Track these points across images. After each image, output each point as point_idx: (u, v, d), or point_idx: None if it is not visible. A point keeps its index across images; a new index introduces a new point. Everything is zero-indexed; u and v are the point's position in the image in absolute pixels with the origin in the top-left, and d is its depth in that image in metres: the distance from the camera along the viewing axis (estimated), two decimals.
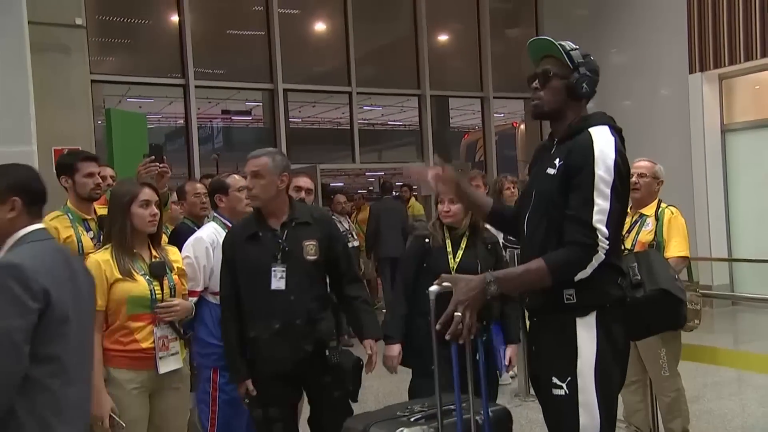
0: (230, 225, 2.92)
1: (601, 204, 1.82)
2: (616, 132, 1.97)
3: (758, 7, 6.97)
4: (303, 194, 3.34)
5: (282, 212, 2.64)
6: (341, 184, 10.90)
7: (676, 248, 3.31)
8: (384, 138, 10.11)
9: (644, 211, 3.39)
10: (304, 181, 3.45)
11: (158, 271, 2.52)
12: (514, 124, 10.72)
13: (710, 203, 7.46)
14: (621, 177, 1.86)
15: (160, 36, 8.15)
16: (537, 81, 1.99)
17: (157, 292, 2.49)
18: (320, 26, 9.20)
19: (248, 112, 9.21)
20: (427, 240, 2.86)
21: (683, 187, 7.38)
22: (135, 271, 2.47)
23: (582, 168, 1.86)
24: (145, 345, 2.45)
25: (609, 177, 1.83)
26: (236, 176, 3.10)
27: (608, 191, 1.83)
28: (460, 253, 2.83)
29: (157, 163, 3.41)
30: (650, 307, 2.00)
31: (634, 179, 3.35)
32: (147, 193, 2.54)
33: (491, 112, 9.70)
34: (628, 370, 3.38)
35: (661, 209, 3.38)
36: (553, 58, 1.98)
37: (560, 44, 1.98)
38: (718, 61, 7.35)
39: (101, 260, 2.45)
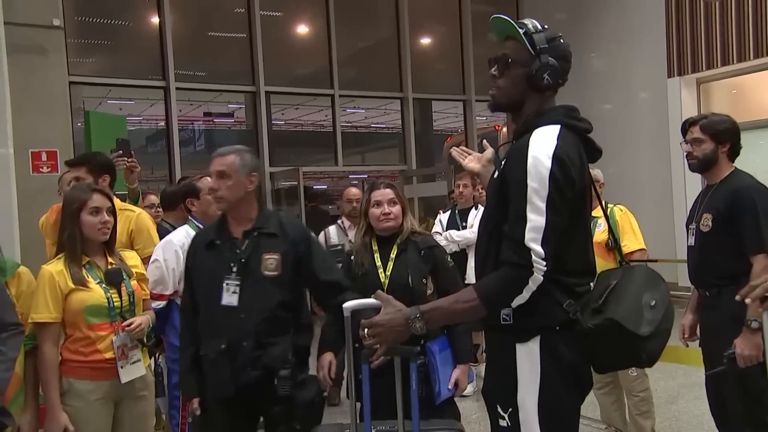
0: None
1: (535, 220, 1.60)
2: (574, 130, 1.73)
3: (734, 12, 7.09)
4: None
5: (248, 219, 2.40)
6: (325, 186, 10.87)
7: (633, 244, 3.43)
8: (367, 141, 10.10)
9: (594, 213, 3.44)
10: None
11: (114, 278, 2.44)
12: (497, 127, 10.77)
13: (688, 206, 7.53)
14: (559, 188, 1.61)
15: (141, 37, 8.07)
16: (495, 67, 1.76)
17: (114, 299, 2.42)
18: (302, 28, 9.18)
19: (230, 115, 9.15)
20: (352, 257, 2.61)
21: (662, 191, 7.47)
22: (89, 280, 2.40)
23: (514, 179, 1.65)
24: (107, 355, 2.39)
25: (543, 189, 1.60)
26: (208, 179, 2.88)
27: (542, 205, 1.60)
28: (390, 266, 2.54)
29: (125, 158, 3.34)
30: (601, 340, 1.68)
31: None
32: (97, 200, 2.44)
33: (474, 114, 9.75)
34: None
35: (609, 209, 3.49)
36: (515, 41, 1.73)
37: (521, 24, 1.74)
38: (696, 65, 7.47)
39: (54, 271, 2.37)
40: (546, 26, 1.77)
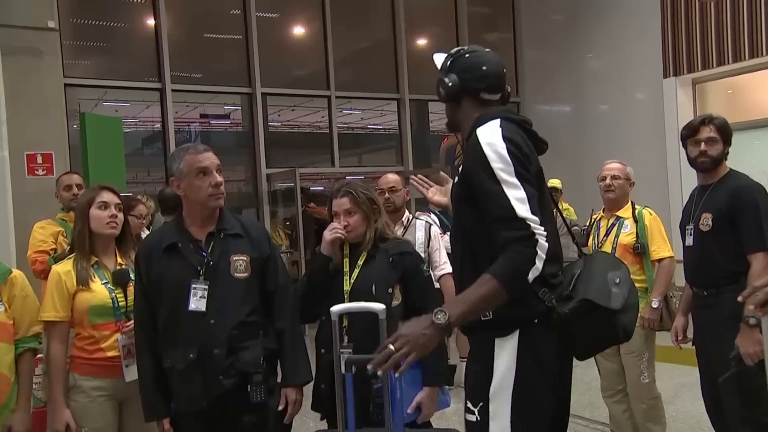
0: None
1: (516, 193, 1.66)
2: (514, 122, 1.82)
3: (729, 12, 7.11)
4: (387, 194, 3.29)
5: (210, 220, 2.28)
6: (321, 188, 10.87)
7: (663, 250, 3.32)
8: (364, 142, 10.09)
9: (620, 213, 3.41)
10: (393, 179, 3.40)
11: (121, 279, 2.46)
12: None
13: None
14: (521, 162, 1.70)
15: (136, 39, 8.05)
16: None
17: (120, 300, 2.44)
18: (298, 30, 9.17)
19: (227, 116, 9.14)
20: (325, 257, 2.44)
21: (658, 191, 7.47)
22: (95, 280, 2.43)
23: (478, 170, 1.72)
24: (110, 354, 2.42)
25: (508, 165, 1.68)
26: None
27: (514, 178, 1.67)
28: (356, 272, 2.39)
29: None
30: (579, 323, 1.72)
31: (608, 181, 3.39)
32: (105, 196, 2.49)
33: None
34: (611, 379, 3.43)
35: (638, 211, 3.38)
36: None
37: (436, 57, 1.96)
38: (692, 65, 7.48)
39: (62, 271, 2.43)
40: (468, 48, 1.95)
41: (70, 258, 2.49)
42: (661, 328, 3.28)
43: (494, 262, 1.66)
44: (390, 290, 2.37)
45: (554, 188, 6.67)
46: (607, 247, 3.33)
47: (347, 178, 9.60)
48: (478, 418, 1.70)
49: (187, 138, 8.46)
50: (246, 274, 2.25)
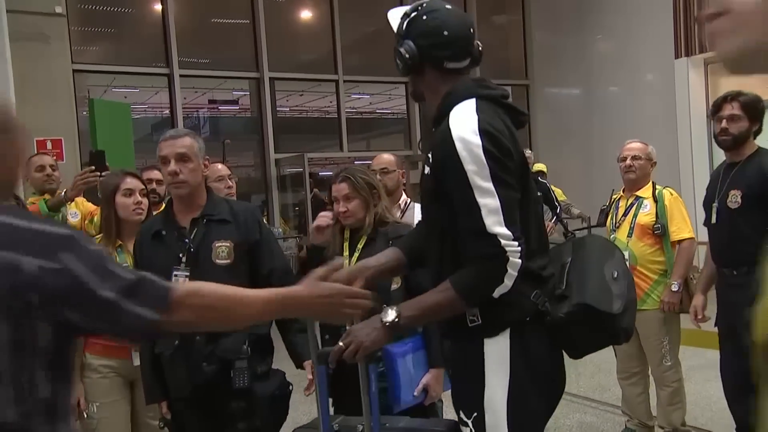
0: None
1: (488, 202, 1.48)
2: (491, 100, 1.60)
3: None
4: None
5: (197, 206, 2.26)
6: (330, 173, 10.86)
7: (683, 231, 3.22)
8: (372, 126, 10.06)
9: (640, 193, 3.31)
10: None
11: None
12: None
13: (696, 187, 7.50)
14: (498, 161, 1.50)
15: (144, 25, 8.04)
16: None
17: None
18: (306, 14, 9.11)
19: (235, 102, 9.13)
20: (324, 249, 2.42)
21: (669, 173, 7.40)
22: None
23: (449, 169, 1.53)
24: None
25: (482, 168, 1.49)
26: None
27: (489, 185, 1.48)
28: (356, 256, 2.38)
29: (98, 173, 3.21)
30: (575, 328, 1.59)
31: (628, 162, 3.30)
32: (129, 182, 2.56)
33: None
34: (628, 362, 3.38)
35: (658, 191, 3.29)
36: None
37: (391, 15, 1.72)
38: (704, 45, 7.37)
39: None
40: (426, 5, 1.69)
41: (98, 238, 2.57)
42: (681, 310, 3.20)
43: (461, 270, 1.53)
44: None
45: (541, 172, 6.59)
46: (625, 228, 3.28)
47: (355, 162, 9.60)
48: (473, 430, 1.60)
49: (195, 124, 8.47)
50: (228, 261, 2.22)
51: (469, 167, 1.49)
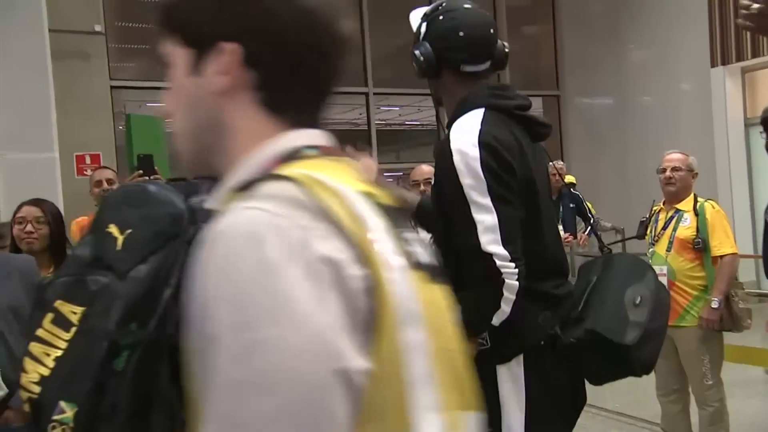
0: None
1: (484, 219, 1.40)
2: (501, 110, 1.52)
3: None
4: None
5: None
6: None
7: (725, 245, 3.11)
8: (402, 138, 10.09)
9: (680, 206, 3.22)
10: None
11: None
12: None
13: (734, 198, 7.32)
14: (497, 176, 1.42)
15: None
16: None
17: None
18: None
19: None
20: None
21: (706, 183, 7.24)
22: None
23: (447, 182, 1.46)
24: None
25: (479, 182, 1.41)
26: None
27: (486, 200, 1.40)
28: None
29: (147, 177, 3.23)
30: (585, 354, 1.50)
31: (668, 173, 3.22)
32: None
33: None
34: (667, 378, 3.28)
35: (699, 204, 3.19)
36: None
37: (413, 16, 1.64)
38: (741, 54, 7.22)
39: None
40: (445, 5, 1.58)
41: None
42: (722, 328, 3.10)
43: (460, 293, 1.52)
44: None
45: (571, 183, 6.50)
46: (664, 242, 3.20)
47: (385, 174, 9.63)
48: None
49: None
50: None
51: (466, 181, 1.42)
